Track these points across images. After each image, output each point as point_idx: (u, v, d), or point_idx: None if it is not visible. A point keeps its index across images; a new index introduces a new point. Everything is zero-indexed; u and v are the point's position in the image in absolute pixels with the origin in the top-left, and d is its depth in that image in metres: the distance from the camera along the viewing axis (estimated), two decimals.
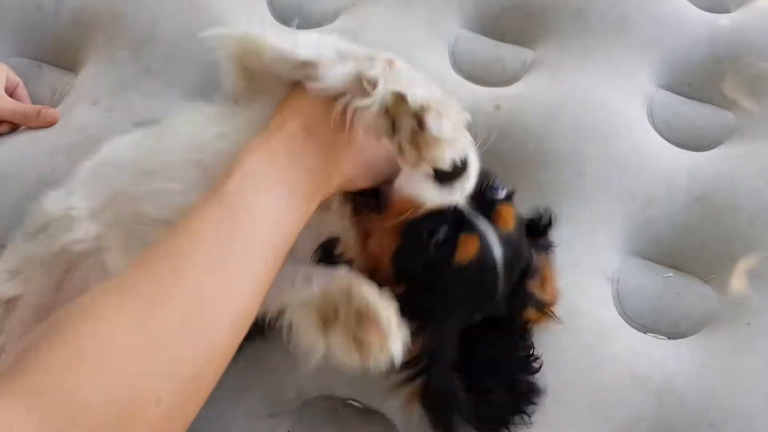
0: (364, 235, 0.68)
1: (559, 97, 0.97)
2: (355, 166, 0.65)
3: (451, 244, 0.64)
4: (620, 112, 0.97)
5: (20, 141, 0.95)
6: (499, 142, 0.93)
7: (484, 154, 0.91)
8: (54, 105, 1.01)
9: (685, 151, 0.98)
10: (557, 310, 0.78)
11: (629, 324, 0.85)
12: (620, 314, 0.86)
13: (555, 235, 0.85)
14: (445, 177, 0.60)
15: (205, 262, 0.53)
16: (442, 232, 0.64)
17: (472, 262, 0.64)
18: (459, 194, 0.63)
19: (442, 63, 1.05)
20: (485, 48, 1.06)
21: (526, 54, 1.06)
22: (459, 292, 0.67)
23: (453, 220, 0.64)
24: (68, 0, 1.05)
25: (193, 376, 0.50)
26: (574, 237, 0.87)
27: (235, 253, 0.54)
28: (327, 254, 0.68)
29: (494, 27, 1.10)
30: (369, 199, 0.67)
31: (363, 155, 0.64)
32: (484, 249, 0.64)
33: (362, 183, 0.66)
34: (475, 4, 1.11)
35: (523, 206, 0.80)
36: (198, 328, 0.50)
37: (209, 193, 0.57)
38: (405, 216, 0.63)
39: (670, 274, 0.89)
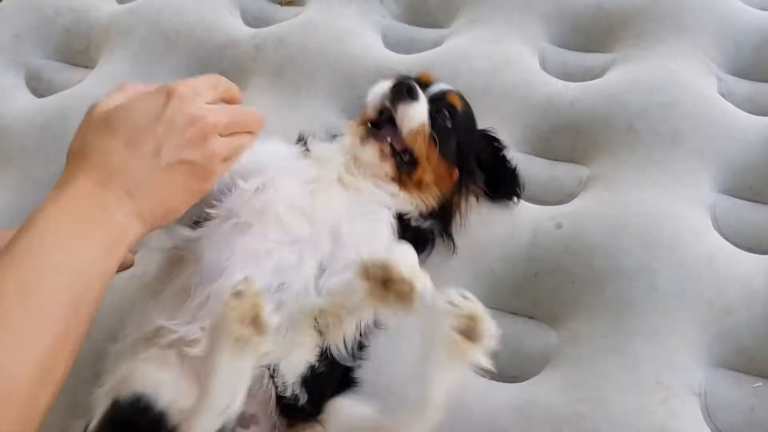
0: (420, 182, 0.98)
1: (618, 211, 1.04)
2: (162, 202, 0.70)
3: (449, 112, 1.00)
4: (684, 221, 1.03)
5: None
6: (564, 260, 0.99)
7: (552, 273, 0.97)
8: None
9: (756, 255, 1.02)
10: None
11: None
12: (712, 430, 0.88)
13: (633, 352, 0.88)
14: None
15: None
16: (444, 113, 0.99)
17: (464, 107, 1.04)
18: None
19: None
20: (540, 168, 1.14)
21: (581, 171, 1.14)
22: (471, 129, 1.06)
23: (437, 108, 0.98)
24: None
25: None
26: (654, 352, 0.91)
27: (24, 309, 0.58)
28: None
29: (546, 147, 1.18)
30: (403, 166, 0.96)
31: (168, 188, 0.70)
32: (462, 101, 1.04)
33: (182, 210, 0.74)
34: (523, 127, 1.21)
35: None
36: None
37: (3, 249, 0.63)
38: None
39: (759, 384, 0.91)
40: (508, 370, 0.95)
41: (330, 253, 0.86)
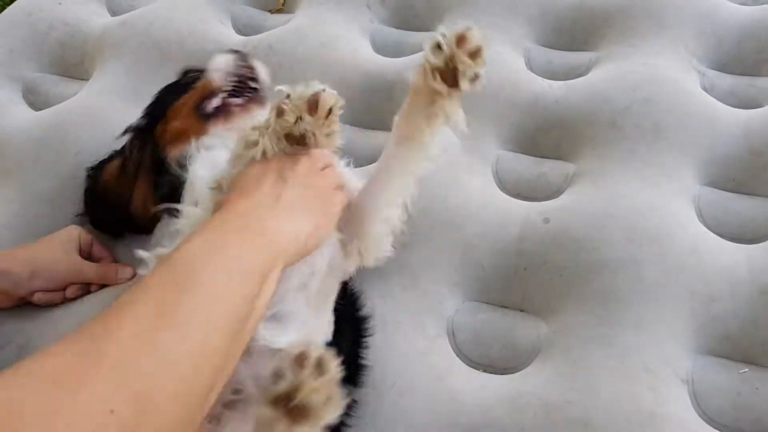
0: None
1: (605, 205, 1.07)
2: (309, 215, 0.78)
3: None
4: (668, 213, 1.06)
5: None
6: (552, 253, 1.02)
7: (541, 267, 1.00)
8: None
9: (740, 245, 1.04)
10: None
11: (711, 425, 0.90)
12: (700, 416, 0.90)
13: (621, 341, 0.91)
14: None
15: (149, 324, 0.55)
16: None
17: None
18: None
19: (486, 183, 1.16)
20: (527, 165, 1.17)
21: (568, 167, 1.16)
22: None
23: None
24: None
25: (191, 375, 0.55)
26: (641, 341, 0.94)
27: (185, 320, 0.57)
28: None
29: (532, 145, 1.21)
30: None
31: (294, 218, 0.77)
32: None
33: (329, 230, 0.83)
34: (509, 126, 1.24)
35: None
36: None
37: (166, 256, 0.64)
38: None
39: (746, 370, 0.94)
40: (500, 362, 0.98)
41: None
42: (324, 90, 0.78)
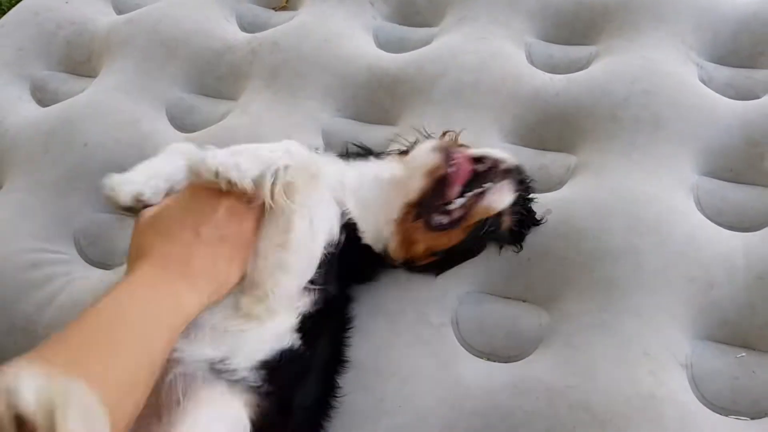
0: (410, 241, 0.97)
1: (605, 196, 1.09)
2: (213, 276, 0.82)
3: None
4: (667, 203, 1.08)
5: None
6: (554, 244, 1.04)
7: (543, 257, 1.02)
8: None
9: (738, 233, 1.07)
10: None
11: (709, 408, 0.92)
12: (699, 399, 0.93)
13: (621, 328, 0.93)
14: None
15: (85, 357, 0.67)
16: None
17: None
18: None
19: None
20: (529, 158, 1.19)
21: (569, 159, 1.19)
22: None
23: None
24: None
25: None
26: (641, 327, 0.96)
27: (114, 351, 0.68)
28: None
29: (533, 137, 1.23)
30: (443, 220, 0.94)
31: (214, 262, 0.83)
32: None
33: (233, 281, 0.85)
34: (511, 119, 1.25)
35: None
36: None
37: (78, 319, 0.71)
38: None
39: (743, 354, 0.96)
40: (504, 351, 1.00)
41: None
42: None
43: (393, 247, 0.98)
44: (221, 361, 0.81)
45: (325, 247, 0.89)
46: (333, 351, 0.95)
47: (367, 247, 0.98)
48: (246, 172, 0.81)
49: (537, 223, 1.06)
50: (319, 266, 0.89)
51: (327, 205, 0.92)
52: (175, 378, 0.79)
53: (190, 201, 0.84)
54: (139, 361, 0.70)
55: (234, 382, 0.80)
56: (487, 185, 0.93)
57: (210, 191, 0.83)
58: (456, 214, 0.93)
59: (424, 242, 0.96)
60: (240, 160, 0.81)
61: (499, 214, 0.96)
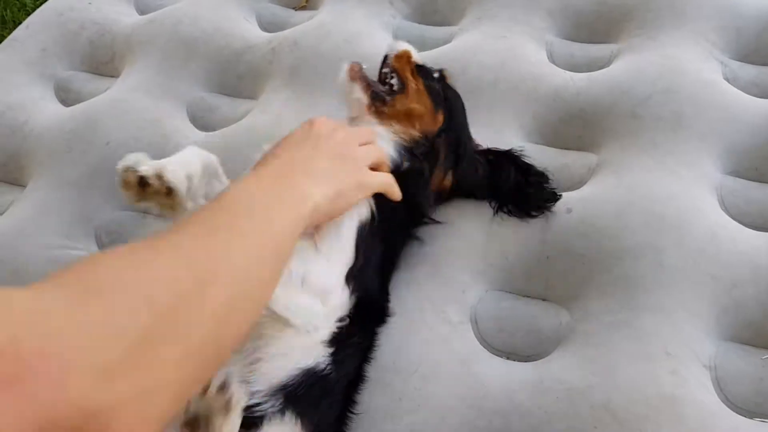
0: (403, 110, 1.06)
1: (626, 194, 1.08)
2: (332, 184, 0.84)
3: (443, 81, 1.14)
4: (689, 201, 1.07)
5: None
6: (575, 242, 1.04)
7: (563, 255, 1.01)
8: None
9: (762, 233, 1.06)
10: None
11: (733, 410, 0.91)
12: (723, 401, 0.91)
13: (642, 326, 0.92)
14: None
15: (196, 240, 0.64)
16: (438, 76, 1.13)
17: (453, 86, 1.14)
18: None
19: None
20: (550, 157, 1.19)
21: (590, 158, 1.18)
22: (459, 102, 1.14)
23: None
24: None
25: (243, 279, 0.62)
26: (662, 326, 0.95)
27: (226, 232, 0.66)
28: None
29: (555, 136, 1.23)
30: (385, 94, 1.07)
31: (335, 173, 0.86)
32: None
33: (350, 198, 0.89)
34: (532, 118, 1.25)
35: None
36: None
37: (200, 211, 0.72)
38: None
39: None
40: (524, 350, 0.99)
41: None
42: None
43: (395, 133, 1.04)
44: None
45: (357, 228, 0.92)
46: (359, 367, 0.93)
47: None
48: None
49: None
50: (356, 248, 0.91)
51: None
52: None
53: (310, 128, 0.90)
54: (263, 243, 0.68)
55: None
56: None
57: (328, 124, 0.91)
58: (388, 77, 1.09)
59: (402, 108, 1.06)
60: None
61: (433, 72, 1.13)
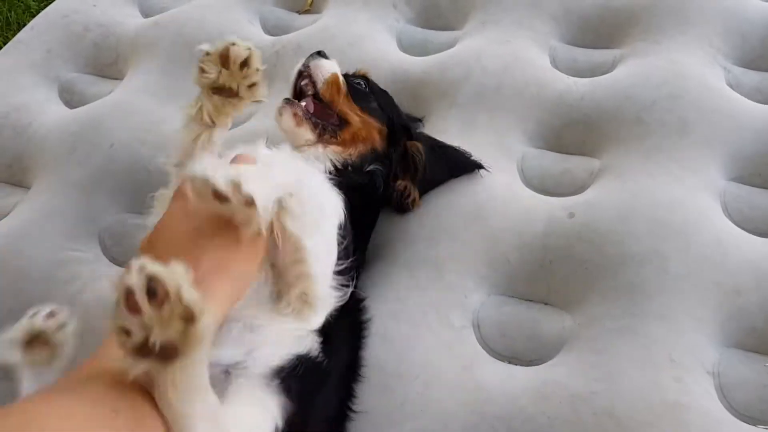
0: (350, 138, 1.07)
1: (630, 199, 1.08)
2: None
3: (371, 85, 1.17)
4: (693, 207, 1.06)
5: None
6: (577, 247, 1.03)
7: (566, 260, 1.01)
8: None
9: (766, 239, 1.05)
10: None
11: (737, 417, 0.90)
12: (726, 408, 0.91)
13: (646, 332, 0.92)
14: None
15: None
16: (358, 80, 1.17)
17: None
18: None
19: (512, 179, 1.18)
20: (552, 162, 1.18)
21: (593, 163, 1.17)
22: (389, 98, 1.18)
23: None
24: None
25: None
26: (666, 332, 0.94)
27: None
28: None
29: (558, 141, 1.22)
30: (332, 129, 1.07)
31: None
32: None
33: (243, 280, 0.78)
34: (535, 122, 1.25)
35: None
36: None
37: None
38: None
39: None
40: (526, 354, 0.99)
41: None
42: (234, 44, 0.85)
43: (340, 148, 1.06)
44: (238, 363, 0.77)
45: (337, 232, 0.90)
46: (351, 355, 0.94)
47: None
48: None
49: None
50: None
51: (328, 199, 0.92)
52: None
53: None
54: None
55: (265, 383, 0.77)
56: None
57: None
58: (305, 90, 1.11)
59: (349, 137, 1.07)
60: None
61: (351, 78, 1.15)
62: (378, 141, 1.09)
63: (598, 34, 1.38)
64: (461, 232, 1.08)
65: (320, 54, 1.12)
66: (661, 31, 1.31)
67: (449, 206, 1.11)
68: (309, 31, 1.44)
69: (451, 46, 1.40)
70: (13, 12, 2.55)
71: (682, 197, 1.07)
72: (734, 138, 1.15)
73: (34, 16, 1.58)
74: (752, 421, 0.89)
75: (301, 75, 1.11)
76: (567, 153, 1.21)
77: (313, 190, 0.86)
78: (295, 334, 0.84)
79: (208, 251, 0.73)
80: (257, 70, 0.87)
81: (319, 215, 0.85)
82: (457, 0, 1.48)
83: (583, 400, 0.89)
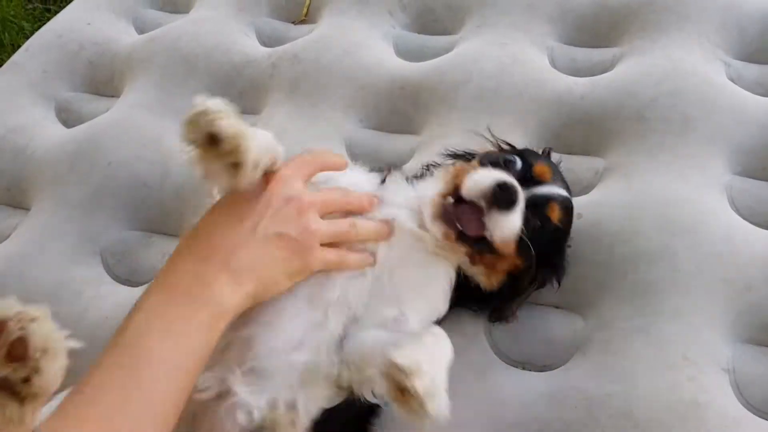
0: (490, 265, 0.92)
1: (636, 197, 1.07)
2: (261, 275, 0.76)
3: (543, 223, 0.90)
4: (700, 203, 1.05)
5: None
6: (587, 248, 1.02)
7: (575, 262, 0.99)
8: None
9: None
10: None
11: (755, 414, 0.89)
12: (743, 405, 0.89)
13: (659, 331, 0.90)
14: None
15: (110, 409, 0.64)
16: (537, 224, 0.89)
17: (562, 219, 0.93)
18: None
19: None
20: (555, 161, 1.16)
21: (597, 162, 1.16)
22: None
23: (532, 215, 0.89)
24: (171, 176, 1.20)
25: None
26: (679, 331, 0.93)
27: (138, 397, 0.66)
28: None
29: (560, 141, 1.22)
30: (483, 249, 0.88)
31: (266, 261, 0.76)
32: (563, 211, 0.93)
33: (283, 285, 0.79)
34: (536, 122, 1.24)
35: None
36: None
37: (112, 339, 0.69)
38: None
39: None
40: (539, 359, 0.97)
41: (366, 303, 0.85)
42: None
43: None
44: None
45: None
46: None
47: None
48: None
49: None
50: None
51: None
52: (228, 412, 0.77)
53: (261, 193, 0.78)
54: (167, 388, 0.68)
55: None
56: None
57: (284, 184, 0.79)
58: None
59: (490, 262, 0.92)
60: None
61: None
62: (511, 267, 0.93)
63: (596, 33, 1.37)
64: None
65: (509, 203, 0.84)
66: (659, 28, 1.30)
67: None
68: (305, 41, 1.43)
69: (448, 50, 1.39)
70: (6, 33, 2.55)
71: (689, 193, 1.06)
72: (738, 132, 1.14)
73: (28, 37, 1.57)
74: None
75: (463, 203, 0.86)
76: (570, 153, 1.20)
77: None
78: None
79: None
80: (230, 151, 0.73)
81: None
82: (452, 4, 1.47)
83: (598, 403, 0.88)
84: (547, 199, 0.90)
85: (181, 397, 0.69)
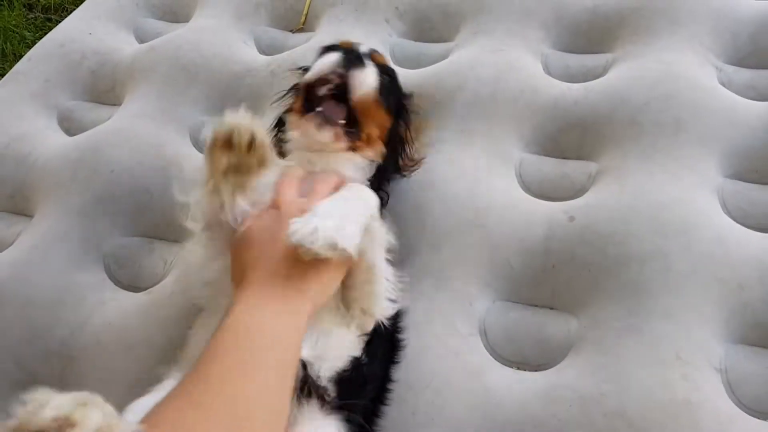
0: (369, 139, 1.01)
1: (629, 200, 1.09)
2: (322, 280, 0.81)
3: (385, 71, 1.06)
4: (692, 205, 1.07)
5: None
6: (579, 250, 1.04)
7: (569, 263, 1.01)
8: (165, 275, 1.15)
9: (766, 234, 1.05)
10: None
11: (747, 413, 0.90)
12: (736, 404, 0.91)
13: (652, 331, 0.93)
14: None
15: (231, 382, 0.68)
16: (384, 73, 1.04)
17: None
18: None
19: (510, 185, 1.18)
20: (550, 167, 1.19)
21: (590, 166, 1.18)
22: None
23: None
24: (172, 182, 1.22)
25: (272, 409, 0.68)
26: (672, 331, 0.95)
27: (253, 368, 0.69)
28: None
29: (554, 146, 1.23)
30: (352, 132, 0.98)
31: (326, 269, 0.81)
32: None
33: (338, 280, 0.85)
34: (531, 128, 1.25)
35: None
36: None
37: (219, 328, 0.73)
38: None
39: None
40: (533, 359, 0.99)
41: None
42: (236, 127, 0.82)
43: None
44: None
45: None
46: (386, 366, 0.96)
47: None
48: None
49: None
50: None
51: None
52: None
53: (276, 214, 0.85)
54: (284, 372, 0.72)
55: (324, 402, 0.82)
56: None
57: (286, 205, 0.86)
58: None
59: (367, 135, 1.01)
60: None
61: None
62: (385, 133, 1.05)
63: (589, 40, 1.39)
64: (462, 239, 1.09)
65: (360, 59, 0.99)
66: (651, 33, 1.32)
67: (449, 214, 1.11)
68: (303, 49, 1.45)
69: (444, 57, 1.41)
70: (8, 43, 2.57)
71: (680, 195, 1.07)
72: (729, 135, 1.15)
73: (29, 47, 1.59)
74: (762, 416, 0.89)
75: (325, 80, 0.97)
76: (564, 157, 1.22)
77: (375, 212, 0.87)
78: (352, 338, 0.89)
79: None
80: (264, 145, 0.83)
81: (382, 236, 0.89)
82: (448, 12, 1.50)
83: (593, 403, 0.89)
84: (371, 53, 1.05)
85: (286, 374, 0.73)
